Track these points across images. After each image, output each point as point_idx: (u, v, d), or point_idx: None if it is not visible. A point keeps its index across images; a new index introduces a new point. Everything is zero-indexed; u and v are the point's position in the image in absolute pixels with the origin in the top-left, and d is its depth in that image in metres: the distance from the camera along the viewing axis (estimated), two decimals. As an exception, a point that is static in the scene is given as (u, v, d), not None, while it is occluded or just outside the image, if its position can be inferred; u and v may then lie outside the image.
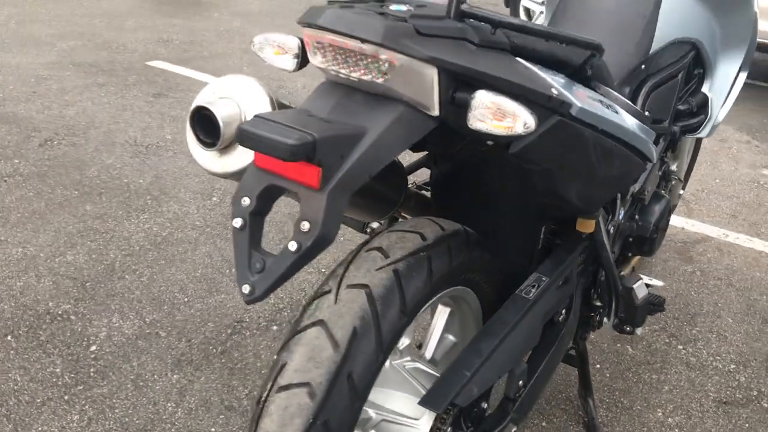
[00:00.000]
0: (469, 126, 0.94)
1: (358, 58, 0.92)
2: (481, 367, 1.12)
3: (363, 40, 0.89)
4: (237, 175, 1.03)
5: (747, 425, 1.90)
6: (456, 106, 0.95)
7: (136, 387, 1.85)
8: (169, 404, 1.80)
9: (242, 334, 2.09)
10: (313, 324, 1.01)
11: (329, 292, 1.02)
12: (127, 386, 1.85)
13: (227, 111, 1.01)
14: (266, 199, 0.92)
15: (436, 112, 0.94)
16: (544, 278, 1.31)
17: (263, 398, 1.01)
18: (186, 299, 2.24)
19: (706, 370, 2.11)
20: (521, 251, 1.38)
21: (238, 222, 0.92)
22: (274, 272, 0.90)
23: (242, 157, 1.02)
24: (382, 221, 1.57)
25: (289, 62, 1.06)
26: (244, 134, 0.85)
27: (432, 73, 0.91)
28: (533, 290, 1.27)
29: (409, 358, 1.24)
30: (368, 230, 1.62)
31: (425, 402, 1.06)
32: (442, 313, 1.30)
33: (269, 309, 2.22)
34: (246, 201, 0.92)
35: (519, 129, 0.92)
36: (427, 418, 1.16)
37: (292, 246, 0.88)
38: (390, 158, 0.91)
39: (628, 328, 1.50)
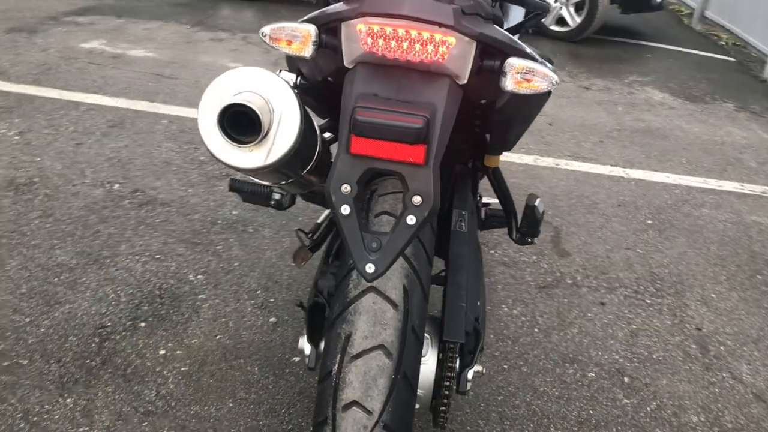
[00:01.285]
0: (504, 88, 1.08)
1: (422, 40, 1.00)
2: (468, 296, 1.30)
3: (440, 24, 0.98)
4: (275, 166, 1.04)
5: (566, 300, 2.37)
6: (484, 73, 1.08)
7: (32, 424, 1.66)
8: (80, 429, 1.66)
9: (113, 339, 1.97)
10: (364, 292, 1.09)
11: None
12: (21, 426, 1.65)
13: (259, 105, 1.01)
14: (364, 183, 0.97)
15: (464, 81, 1.07)
16: (463, 212, 1.51)
17: (334, 371, 1.08)
18: (27, 320, 2.01)
19: (519, 265, 2.55)
20: (445, 191, 1.56)
21: (346, 209, 0.97)
22: (395, 247, 0.97)
23: (279, 147, 1.03)
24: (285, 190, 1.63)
25: (309, 49, 1.09)
26: (365, 125, 0.89)
27: (473, 48, 1.04)
28: (463, 224, 1.48)
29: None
30: (272, 202, 1.66)
31: (450, 336, 1.22)
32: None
33: (126, 307, 2.10)
34: (347, 188, 0.96)
35: (545, 86, 1.08)
36: (431, 354, 1.31)
37: (411, 220, 0.96)
38: (451, 127, 1.02)
39: (529, 240, 1.79)
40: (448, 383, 1.23)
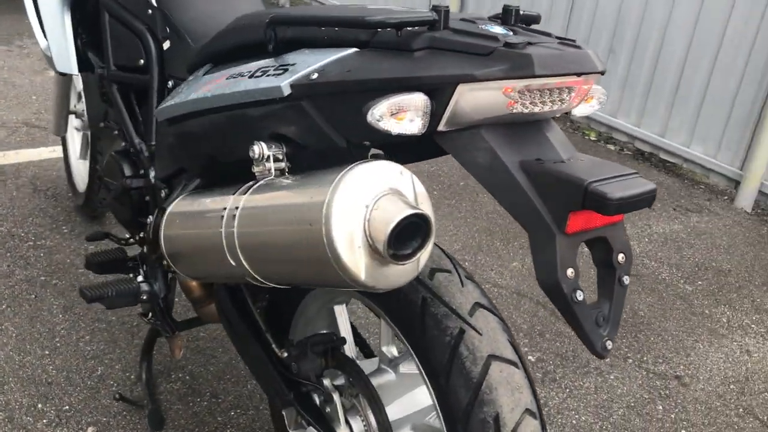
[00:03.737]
0: (576, 114, 1.06)
1: (561, 91, 0.95)
2: None
3: (588, 74, 0.94)
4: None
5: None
6: None
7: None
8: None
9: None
10: (487, 366, 1.09)
11: (449, 271, 1.15)
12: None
13: (426, 207, 0.94)
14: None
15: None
16: None
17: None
18: None
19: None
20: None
21: (579, 294, 0.91)
22: (619, 312, 0.96)
23: (427, 250, 0.95)
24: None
25: (417, 124, 0.93)
26: (615, 202, 0.83)
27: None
28: None
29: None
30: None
31: None
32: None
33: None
34: (571, 272, 0.90)
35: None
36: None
37: (627, 280, 0.96)
38: None
39: None
40: None
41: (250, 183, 1.13)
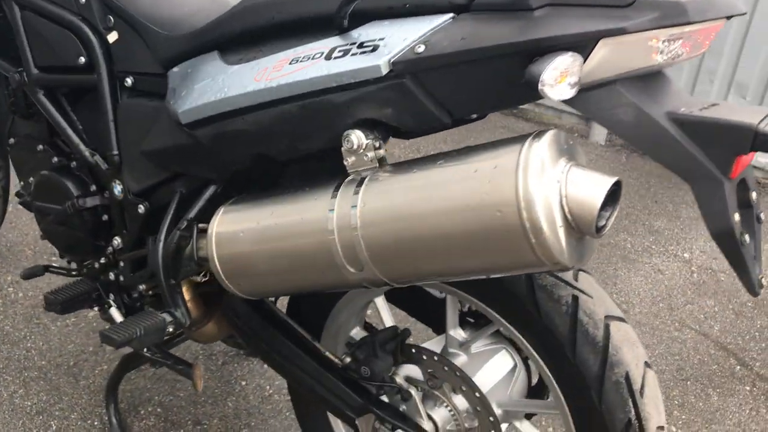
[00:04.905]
0: None
1: (700, 36, 0.91)
2: None
3: (734, 16, 0.91)
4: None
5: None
6: None
7: None
8: None
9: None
10: (608, 328, 1.10)
11: None
12: None
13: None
14: None
15: None
16: None
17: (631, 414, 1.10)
18: None
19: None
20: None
21: (747, 237, 0.88)
22: (760, 249, 0.93)
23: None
24: None
25: (574, 87, 0.84)
26: None
27: None
28: None
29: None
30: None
31: None
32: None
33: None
34: (737, 215, 0.88)
35: None
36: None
37: (763, 216, 0.93)
38: None
39: None
40: None
41: (351, 177, 1.00)
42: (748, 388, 2.16)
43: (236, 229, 1.12)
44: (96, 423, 1.82)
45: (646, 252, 2.99)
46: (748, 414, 2.04)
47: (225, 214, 1.15)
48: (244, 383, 2.01)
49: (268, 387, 2.00)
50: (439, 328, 1.38)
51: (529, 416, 1.35)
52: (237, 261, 1.12)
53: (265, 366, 2.07)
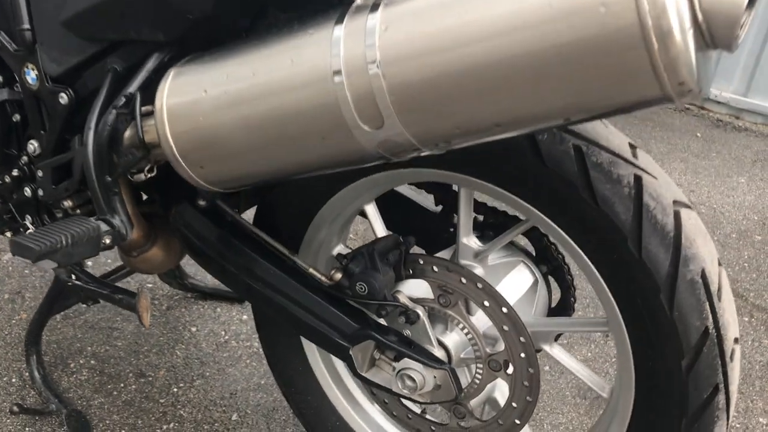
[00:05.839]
0: None
1: None
2: None
3: None
4: None
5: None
6: None
7: None
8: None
9: None
10: (674, 280, 0.88)
11: None
12: None
13: None
14: None
15: None
16: None
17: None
18: None
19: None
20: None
21: None
22: None
23: None
24: None
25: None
26: None
27: None
28: None
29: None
30: None
31: None
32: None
33: None
34: None
35: None
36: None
37: None
38: None
39: None
40: None
41: (361, 2, 0.72)
42: (746, 319, 2.00)
43: (195, 92, 0.82)
44: (14, 380, 1.50)
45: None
46: (751, 345, 1.89)
47: (177, 77, 0.85)
48: (194, 329, 1.72)
49: (223, 332, 1.72)
50: (434, 248, 1.13)
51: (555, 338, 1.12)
52: (199, 136, 0.83)
53: (219, 310, 1.79)
